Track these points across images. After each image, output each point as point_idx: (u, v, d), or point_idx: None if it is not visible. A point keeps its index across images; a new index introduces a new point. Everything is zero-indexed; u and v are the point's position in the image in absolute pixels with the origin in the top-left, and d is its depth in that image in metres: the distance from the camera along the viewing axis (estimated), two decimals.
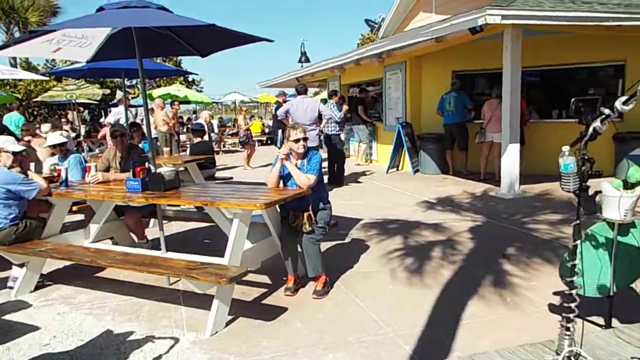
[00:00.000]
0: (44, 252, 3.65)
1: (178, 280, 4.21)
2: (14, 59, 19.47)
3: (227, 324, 3.34)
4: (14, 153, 3.95)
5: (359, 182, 9.57)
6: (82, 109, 20.12)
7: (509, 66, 7.37)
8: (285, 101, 11.72)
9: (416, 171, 10.30)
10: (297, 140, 3.81)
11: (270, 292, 3.94)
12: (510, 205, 6.89)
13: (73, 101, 13.58)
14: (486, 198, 7.49)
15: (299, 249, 3.89)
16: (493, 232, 5.59)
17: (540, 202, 7.12)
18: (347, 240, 5.43)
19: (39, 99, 14.68)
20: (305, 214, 3.74)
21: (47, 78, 15.08)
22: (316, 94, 23.95)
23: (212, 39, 4.45)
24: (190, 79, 27.13)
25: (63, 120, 16.42)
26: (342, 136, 9.58)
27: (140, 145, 7.11)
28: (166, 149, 7.21)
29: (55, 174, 5.29)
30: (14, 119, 11.78)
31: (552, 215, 6.16)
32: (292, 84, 19.22)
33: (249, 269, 3.68)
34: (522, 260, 4.51)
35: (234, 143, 20.15)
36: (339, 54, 11.77)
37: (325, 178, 9.23)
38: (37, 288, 4.12)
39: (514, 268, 4.31)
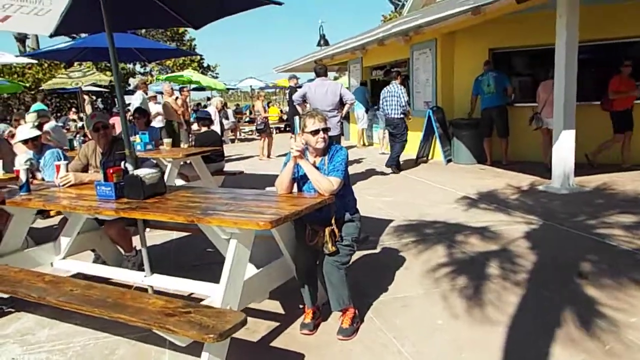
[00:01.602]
0: None
1: None
2: (23, 44, 18.86)
3: None
4: None
5: (385, 173, 8.58)
6: (94, 97, 19.46)
7: (564, 40, 6.25)
8: (298, 85, 10.75)
9: (449, 161, 9.27)
10: (315, 132, 2.87)
11: (283, 328, 3.03)
12: (567, 203, 5.84)
13: (80, 89, 12.85)
14: (536, 194, 6.44)
15: (320, 274, 2.97)
16: (556, 240, 4.57)
17: (602, 198, 6.04)
18: (378, 250, 4.48)
19: (43, 87, 13.99)
20: (327, 230, 2.81)
21: (35, 61, 14.40)
22: (335, 79, 22.86)
23: (205, 5, 3.51)
24: (205, 64, 26.26)
25: (73, 109, 15.79)
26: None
27: (135, 135, 6.27)
28: (167, 140, 6.30)
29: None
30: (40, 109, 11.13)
31: (624, 217, 5.10)
32: (310, 67, 18.18)
33: (253, 304, 2.79)
34: (605, 281, 3.50)
35: (251, 131, 19.32)
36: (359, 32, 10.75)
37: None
38: None
39: (599, 293, 3.31)
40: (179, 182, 6.26)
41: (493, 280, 3.64)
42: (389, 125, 8.65)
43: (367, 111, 12.17)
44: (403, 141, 8.58)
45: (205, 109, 10.11)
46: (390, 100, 8.38)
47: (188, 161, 6.09)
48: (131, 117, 6.97)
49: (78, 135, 12.21)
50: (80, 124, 13.26)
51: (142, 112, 6.85)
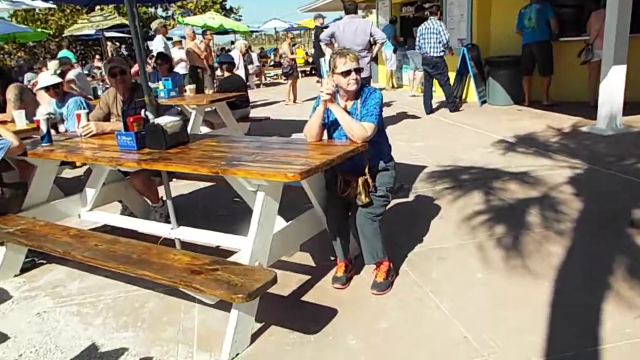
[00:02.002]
0: (11, 234, 2.76)
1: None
2: None
3: (254, 337, 2.37)
4: None
5: (416, 117, 8.24)
6: (117, 43, 19.24)
7: None
8: (324, 25, 10.24)
9: (483, 102, 8.81)
10: (346, 73, 2.62)
11: (314, 282, 2.93)
12: (614, 145, 5.46)
13: (102, 34, 12.61)
14: (579, 136, 6.05)
15: (352, 226, 2.81)
16: (603, 185, 4.27)
17: None
18: (411, 198, 4.29)
19: (65, 33, 13.80)
20: (360, 180, 2.62)
21: (55, 6, 14.14)
22: (363, 17, 21.90)
23: None
24: (227, 6, 25.48)
25: (97, 56, 15.64)
26: None
27: (158, 82, 6.09)
28: (190, 87, 6.10)
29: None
30: (67, 57, 11.05)
31: None
32: (335, 6, 17.38)
33: (284, 257, 2.67)
34: None
35: (276, 75, 18.88)
36: None
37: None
38: (25, 269, 3.31)
39: None
40: (204, 129, 6.12)
41: (534, 229, 3.42)
42: (427, 65, 8.19)
43: (395, 51, 11.61)
44: (446, 80, 8.21)
45: (229, 53, 9.76)
46: (429, 38, 7.90)
47: (213, 108, 5.91)
48: (154, 64, 6.76)
49: (102, 83, 12.14)
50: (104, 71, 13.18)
51: (164, 58, 6.63)
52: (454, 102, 8.38)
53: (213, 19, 14.92)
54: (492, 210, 3.85)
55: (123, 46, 20.98)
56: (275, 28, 21.42)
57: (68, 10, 16.79)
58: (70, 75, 7.73)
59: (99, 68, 13.72)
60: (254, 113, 10.12)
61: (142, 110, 2.98)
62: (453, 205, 4.02)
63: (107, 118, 3.88)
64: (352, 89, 2.66)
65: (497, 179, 4.59)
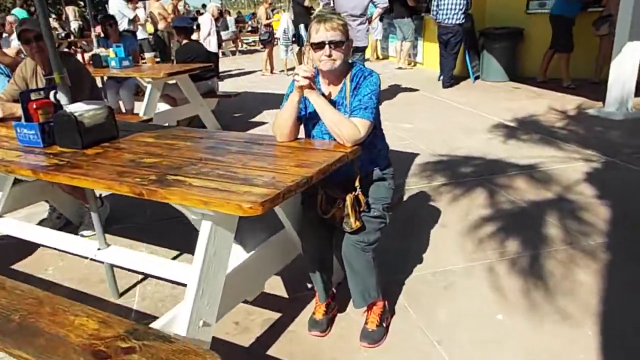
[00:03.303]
0: None
1: (131, 288, 2.57)
2: None
3: None
4: None
5: (404, 93, 7.52)
6: (82, 3, 17.74)
7: None
8: None
9: (476, 78, 8.12)
10: (317, 46, 1.90)
11: (286, 323, 2.24)
12: (628, 133, 4.86)
13: None
14: (587, 120, 5.43)
15: (337, 249, 2.12)
16: (626, 184, 3.66)
17: None
18: (404, 195, 3.62)
19: None
20: (349, 198, 1.91)
21: None
22: None
23: None
24: None
25: (53, 16, 14.33)
26: None
27: (105, 50, 5.20)
28: (149, 55, 5.23)
29: None
30: (20, 16, 9.84)
31: None
32: None
33: (242, 300, 1.98)
34: None
35: (254, 42, 17.77)
36: None
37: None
38: None
39: None
40: (164, 106, 5.29)
41: (556, 245, 2.79)
42: (445, 34, 7.39)
43: (381, 19, 10.73)
44: (456, 53, 7.48)
45: (184, 17, 8.73)
46: (448, 3, 7.11)
47: (173, 81, 5.07)
48: (103, 27, 5.81)
49: (61, 47, 10.98)
50: (63, 33, 11.96)
51: (112, 19, 5.69)
52: (451, 78, 7.67)
53: None
54: (501, 217, 3.20)
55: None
56: None
57: None
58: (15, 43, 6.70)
59: (55, 29, 12.50)
60: (228, 84, 9.27)
61: (51, 93, 2.19)
62: (454, 209, 3.36)
63: None
64: (325, 68, 1.94)
65: (502, 174, 3.94)
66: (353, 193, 1.93)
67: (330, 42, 1.90)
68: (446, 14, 7.22)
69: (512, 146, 4.66)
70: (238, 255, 1.99)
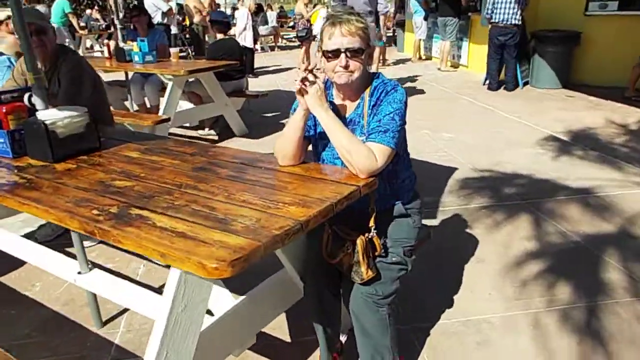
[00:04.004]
0: None
1: (118, 316, 2.28)
2: None
3: None
4: None
5: (445, 97, 7.02)
6: None
7: None
8: None
9: (525, 83, 7.51)
10: (332, 54, 1.53)
11: None
12: None
13: None
14: None
15: (345, 295, 1.75)
16: None
17: None
18: (436, 219, 3.19)
19: None
20: (360, 241, 1.54)
21: None
22: None
23: None
24: None
25: (96, 7, 14.49)
26: None
27: (131, 43, 4.97)
28: (173, 50, 4.98)
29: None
30: (61, 6, 9.92)
31: None
32: None
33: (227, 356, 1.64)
34: None
35: (294, 37, 17.48)
36: None
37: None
38: None
39: None
40: (186, 105, 5.05)
41: (617, 294, 2.32)
42: (500, 36, 6.89)
43: (426, 18, 10.21)
44: (516, 56, 7.01)
45: (220, 10, 8.44)
46: (506, 2, 6.65)
47: (194, 79, 4.80)
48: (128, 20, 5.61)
49: (101, 38, 11.00)
50: (104, 24, 12.03)
51: (141, 11, 5.47)
52: (514, 82, 7.16)
53: None
54: (550, 253, 2.74)
55: None
56: None
57: None
58: None
59: (97, 20, 12.61)
60: (263, 80, 8.98)
61: (26, 96, 1.91)
62: (494, 239, 2.91)
63: None
64: (340, 81, 1.57)
65: (551, 197, 3.46)
66: (366, 235, 1.56)
67: (347, 50, 1.52)
68: (504, 14, 6.70)
69: (565, 164, 4.14)
70: (223, 301, 1.65)
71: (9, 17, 4.93)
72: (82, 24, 11.53)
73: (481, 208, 3.34)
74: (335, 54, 1.53)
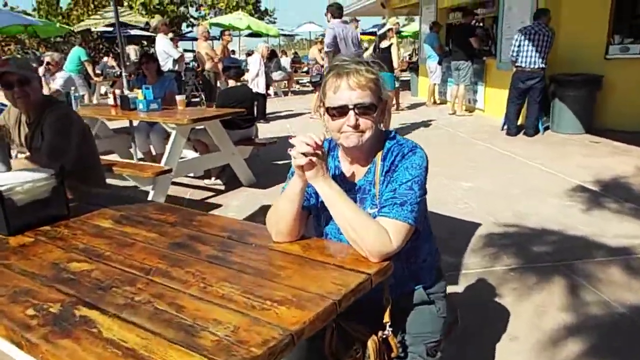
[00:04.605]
0: None
1: None
2: None
3: None
4: None
5: (461, 143, 6.75)
6: (144, 42, 18.35)
7: None
8: (361, 32, 8.86)
9: (546, 128, 7.22)
10: (337, 111, 1.27)
11: None
12: None
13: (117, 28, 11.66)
14: None
15: None
16: None
17: None
18: (459, 287, 2.84)
19: (73, 28, 12.92)
20: (372, 342, 1.22)
21: None
22: (404, 25, 20.10)
23: None
24: (262, 7, 24.37)
25: (110, 54, 14.76)
26: None
27: (137, 90, 4.84)
28: (179, 98, 4.82)
29: None
30: (77, 54, 10.13)
31: None
32: (375, 11, 16.02)
33: None
34: None
35: (308, 83, 17.59)
36: None
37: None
38: None
39: None
40: (191, 154, 4.84)
41: None
42: (525, 80, 6.66)
43: (440, 62, 10.11)
44: (541, 100, 6.76)
45: (233, 57, 8.43)
46: (533, 45, 6.44)
47: (201, 127, 4.62)
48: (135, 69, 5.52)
49: (115, 85, 11.06)
50: (118, 71, 12.16)
51: (150, 58, 5.37)
52: (535, 127, 6.91)
53: (240, 19, 13.78)
54: (591, 327, 2.37)
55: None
56: (310, 32, 20.18)
57: (92, 5, 16.02)
58: (57, 83, 6.61)
59: (113, 67, 12.78)
60: (275, 126, 8.85)
61: None
62: (525, 309, 2.55)
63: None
64: (349, 144, 1.30)
65: (587, 258, 3.09)
66: (380, 334, 1.24)
67: (356, 107, 1.26)
68: (530, 57, 6.50)
69: (597, 218, 3.78)
70: None
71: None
72: (98, 71, 11.67)
73: (508, 270, 2.99)
74: (341, 111, 1.26)
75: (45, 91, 5.98)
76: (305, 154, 1.20)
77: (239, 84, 5.42)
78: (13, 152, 2.65)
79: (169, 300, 1.08)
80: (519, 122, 7.15)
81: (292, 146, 1.22)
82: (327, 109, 1.30)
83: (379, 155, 1.34)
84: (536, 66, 6.52)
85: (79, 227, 1.58)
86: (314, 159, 1.20)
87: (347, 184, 1.35)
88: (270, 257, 1.30)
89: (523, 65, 6.61)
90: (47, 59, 7.04)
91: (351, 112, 1.26)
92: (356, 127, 1.27)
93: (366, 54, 7.07)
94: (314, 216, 1.43)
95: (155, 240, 1.45)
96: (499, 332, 2.38)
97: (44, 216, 1.59)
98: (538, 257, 3.15)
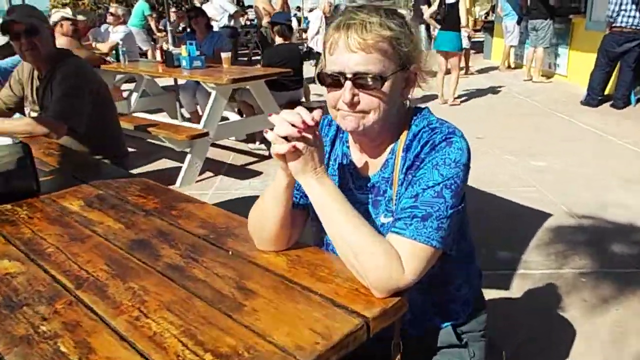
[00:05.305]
0: None
1: None
2: None
3: None
4: None
5: (534, 114, 6.02)
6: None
7: None
8: None
9: (638, 101, 6.29)
10: (332, 80, 0.90)
11: None
12: None
13: None
14: None
15: None
16: None
17: None
18: (509, 289, 2.39)
19: None
20: None
21: None
22: None
23: None
24: None
25: (172, 8, 14.61)
26: None
27: (172, 47, 4.59)
28: (225, 55, 4.51)
29: None
30: (141, 8, 10.07)
31: None
32: None
33: None
34: None
35: None
36: None
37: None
38: None
39: None
40: (234, 116, 4.57)
41: None
42: (623, 43, 5.82)
43: (519, 22, 9.09)
44: (636, 67, 5.92)
45: (279, 12, 7.86)
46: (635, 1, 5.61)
47: (245, 87, 4.31)
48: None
49: (161, 40, 10.95)
50: (181, 27, 12.08)
51: (199, 12, 5.09)
52: (626, 98, 6.09)
53: None
54: None
55: None
56: None
57: None
58: (117, 37, 6.47)
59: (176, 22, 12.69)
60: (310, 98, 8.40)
61: None
62: (600, 330, 2.07)
63: (21, 104, 2.44)
64: (346, 126, 0.92)
65: None
66: None
67: (355, 76, 0.87)
68: (632, 17, 5.61)
69: None
70: None
71: (64, 19, 4.78)
72: (161, 27, 11.62)
73: (580, 275, 2.49)
74: (336, 80, 0.87)
75: (106, 45, 5.90)
76: (287, 138, 0.83)
77: (287, 42, 5.02)
78: (26, 110, 2.46)
79: (81, 336, 0.78)
80: (606, 93, 6.27)
81: (272, 126, 0.86)
82: (319, 75, 0.91)
83: (401, 142, 0.94)
84: (638, 27, 5.60)
85: (42, 208, 1.32)
86: (301, 145, 0.83)
87: (356, 180, 0.98)
88: (243, 274, 0.96)
89: (623, 25, 5.70)
90: (111, 11, 6.94)
91: (348, 84, 0.87)
92: (353, 105, 0.89)
93: (431, 9, 6.36)
94: (311, 219, 1.07)
95: (116, 234, 1.16)
96: (564, 351, 1.94)
97: (5, 192, 1.35)
98: (620, 262, 2.61)
